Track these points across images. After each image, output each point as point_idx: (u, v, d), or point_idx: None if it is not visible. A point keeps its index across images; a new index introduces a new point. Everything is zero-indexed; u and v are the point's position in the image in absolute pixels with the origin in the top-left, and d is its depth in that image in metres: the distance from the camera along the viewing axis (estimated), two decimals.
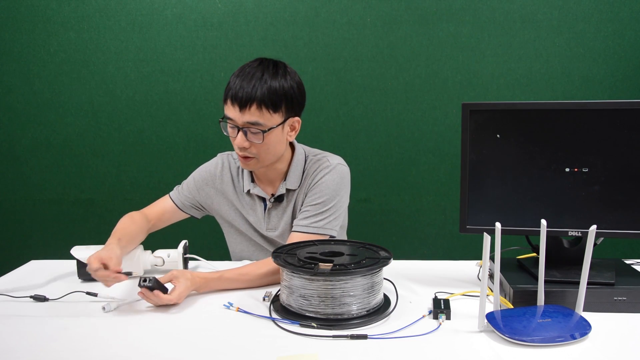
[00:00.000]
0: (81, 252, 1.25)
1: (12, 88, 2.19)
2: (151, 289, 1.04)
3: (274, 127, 1.23)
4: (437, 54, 2.16)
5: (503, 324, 0.93)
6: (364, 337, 0.92)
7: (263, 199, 1.38)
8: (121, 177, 2.25)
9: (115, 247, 1.16)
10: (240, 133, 1.23)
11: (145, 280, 1.03)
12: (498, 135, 1.10)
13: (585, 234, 1.08)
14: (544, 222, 0.94)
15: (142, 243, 1.32)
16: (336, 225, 1.33)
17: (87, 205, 2.28)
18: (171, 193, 1.45)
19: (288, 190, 1.36)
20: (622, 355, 0.86)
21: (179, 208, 1.42)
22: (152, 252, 1.33)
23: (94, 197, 2.27)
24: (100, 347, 0.90)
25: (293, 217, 1.37)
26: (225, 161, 1.43)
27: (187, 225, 2.24)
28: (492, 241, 0.95)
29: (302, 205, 1.35)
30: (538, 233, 0.96)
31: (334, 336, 0.92)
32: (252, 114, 1.21)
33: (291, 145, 1.39)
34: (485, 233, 0.92)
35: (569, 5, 2.11)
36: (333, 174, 1.33)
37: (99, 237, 2.23)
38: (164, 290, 1.07)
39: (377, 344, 0.90)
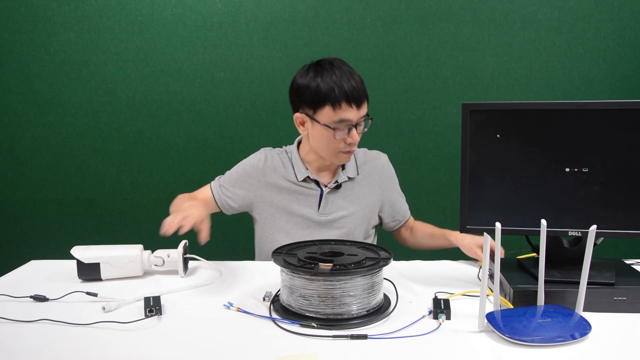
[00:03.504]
0: (81, 252, 1.25)
1: (12, 88, 2.19)
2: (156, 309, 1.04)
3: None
4: (437, 54, 2.16)
5: (503, 324, 0.93)
6: (364, 337, 0.92)
7: (319, 186, 1.47)
8: (121, 177, 2.25)
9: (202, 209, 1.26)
10: (355, 129, 1.35)
11: (151, 311, 1.03)
12: (498, 135, 1.11)
13: (585, 234, 1.08)
14: (544, 222, 0.94)
15: (141, 243, 1.32)
16: None
17: (87, 205, 2.28)
18: (212, 184, 1.52)
19: (348, 179, 1.48)
20: (622, 355, 0.86)
21: (216, 202, 1.50)
22: (152, 252, 1.33)
23: (94, 197, 2.27)
24: (100, 347, 0.90)
25: (349, 204, 1.47)
26: (269, 155, 1.51)
27: None
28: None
29: (384, 200, 1.54)
30: (538, 233, 0.96)
31: (334, 336, 0.92)
32: (364, 107, 1.35)
33: None
34: (485, 233, 0.92)
35: (569, 5, 2.11)
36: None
37: (99, 237, 2.26)
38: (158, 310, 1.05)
39: (377, 344, 0.90)
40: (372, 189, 1.51)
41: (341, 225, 1.47)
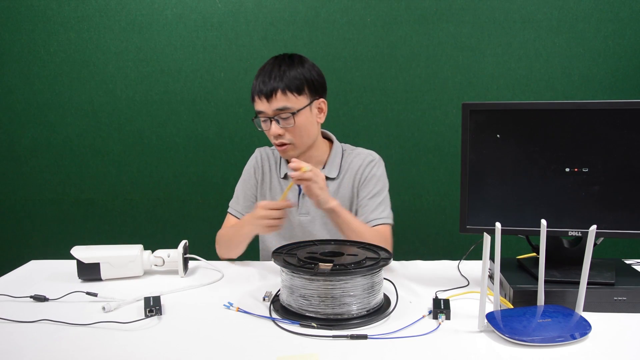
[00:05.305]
0: (81, 252, 1.25)
1: (12, 88, 2.19)
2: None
3: (302, 109, 1.34)
4: (437, 54, 2.15)
5: (503, 324, 0.93)
6: (364, 337, 0.92)
7: (298, 185, 1.44)
8: (121, 177, 2.25)
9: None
10: (273, 122, 1.34)
11: (151, 311, 1.02)
12: (498, 135, 1.11)
13: (585, 234, 1.08)
14: (544, 222, 0.94)
15: (141, 243, 1.32)
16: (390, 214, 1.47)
17: (87, 205, 2.27)
18: (231, 212, 1.53)
19: (327, 179, 1.43)
20: (622, 355, 0.86)
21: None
22: (152, 252, 1.33)
23: (94, 197, 2.27)
24: (100, 347, 0.90)
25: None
26: (263, 152, 1.55)
27: (187, 225, 2.25)
28: (492, 241, 0.95)
29: (353, 200, 1.46)
30: (538, 233, 0.96)
31: (334, 336, 0.92)
32: (279, 101, 1.32)
33: (329, 138, 1.52)
34: (485, 233, 0.92)
35: (569, 5, 2.11)
36: (380, 166, 1.49)
37: (99, 237, 2.26)
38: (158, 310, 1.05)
39: (377, 344, 0.90)
40: (348, 189, 1.46)
41: (323, 226, 1.45)
